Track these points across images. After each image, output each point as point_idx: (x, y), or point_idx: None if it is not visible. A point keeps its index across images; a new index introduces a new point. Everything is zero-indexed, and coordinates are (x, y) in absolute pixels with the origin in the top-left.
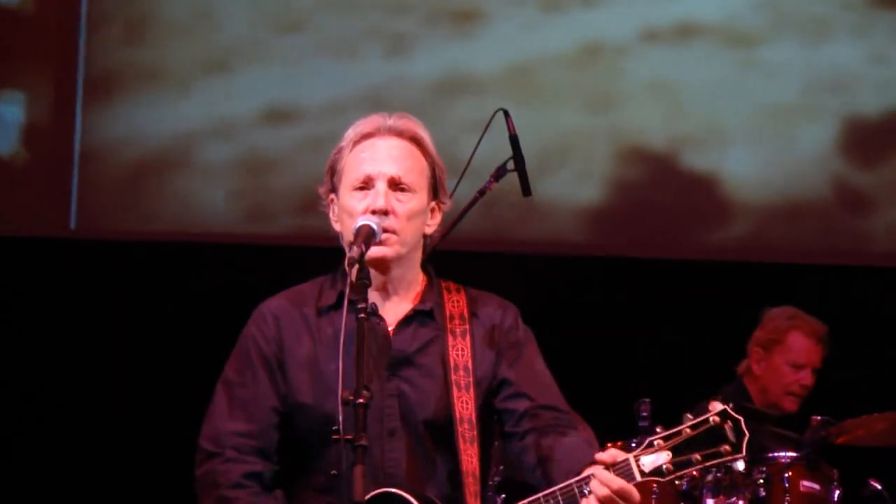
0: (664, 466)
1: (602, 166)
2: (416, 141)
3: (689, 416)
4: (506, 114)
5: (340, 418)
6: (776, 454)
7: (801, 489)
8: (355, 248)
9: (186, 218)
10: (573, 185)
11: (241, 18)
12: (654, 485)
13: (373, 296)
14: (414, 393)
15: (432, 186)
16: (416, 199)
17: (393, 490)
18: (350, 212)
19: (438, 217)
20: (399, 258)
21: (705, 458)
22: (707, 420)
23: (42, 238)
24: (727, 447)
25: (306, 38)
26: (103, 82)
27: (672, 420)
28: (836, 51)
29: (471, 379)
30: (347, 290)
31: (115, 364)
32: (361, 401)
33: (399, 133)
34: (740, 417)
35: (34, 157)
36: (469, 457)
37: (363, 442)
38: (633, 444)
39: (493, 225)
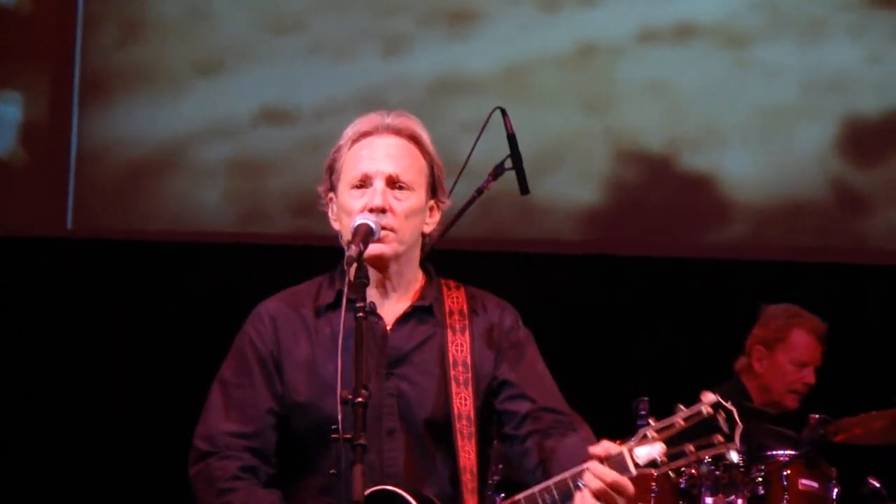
0: (658, 458)
1: (600, 167)
2: (414, 139)
3: (682, 407)
4: (503, 112)
5: (339, 418)
6: (775, 452)
7: (800, 487)
8: (353, 247)
9: (183, 218)
10: (571, 186)
11: (237, 19)
12: (654, 483)
13: (371, 294)
14: (413, 391)
15: (431, 185)
16: (415, 198)
17: (389, 488)
18: (348, 210)
19: (437, 216)
20: (397, 256)
21: (699, 448)
22: (700, 411)
23: (39, 238)
24: (720, 437)
25: (302, 38)
26: (100, 83)
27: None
28: (833, 51)
29: (469, 375)
30: (346, 290)
31: (112, 362)
32: (360, 400)
33: (397, 131)
34: (733, 408)
35: (31, 156)
36: (467, 453)
37: (362, 441)
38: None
39: (491, 226)
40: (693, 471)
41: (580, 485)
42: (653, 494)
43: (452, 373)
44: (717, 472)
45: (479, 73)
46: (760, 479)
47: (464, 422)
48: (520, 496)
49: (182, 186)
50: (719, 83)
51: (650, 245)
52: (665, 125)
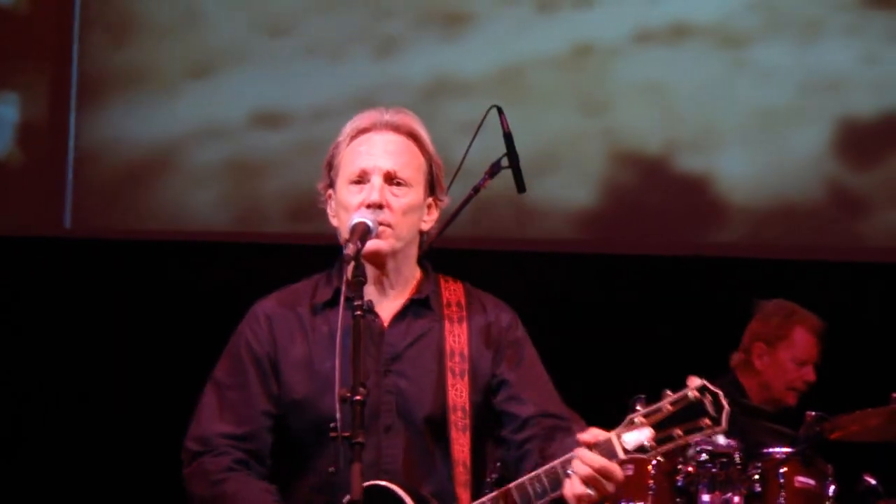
0: (647, 443)
1: (596, 168)
2: (413, 136)
3: (669, 392)
4: (499, 111)
5: (338, 416)
6: (771, 450)
7: (797, 484)
8: (351, 246)
9: (180, 218)
10: (567, 187)
11: (231, 21)
12: (651, 481)
13: (369, 291)
14: (410, 388)
15: (429, 182)
16: (412, 194)
17: (382, 483)
18: (346, 205)
19: (435, 214)
20: (394, 252)
21: (687, 432)
22: (686, 395)
23: (37, 238)
24: (707, 420)
25: (296, 40)
26: (97, 84)
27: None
28: (829, 52)
29: (466, 366)
30: (343, 288)
31: (109, 362)
32: (358, 398)
33: (396, 128)
34: (719, 391)
35: (29, 157)
36: (461, 446)
37: (360, 439)
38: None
39: (488, 227)
40: (690, 468)
41: (569, 472)
42: (650, 492)
43: (449, 363)
44: (714, 470)
45: (474, 74)
46: (757, 477)
47: (458, 413)
48: (510, 486)
49: (178, 187)
50: (715, 84)
51: (646, 246)
52: (661, 126)
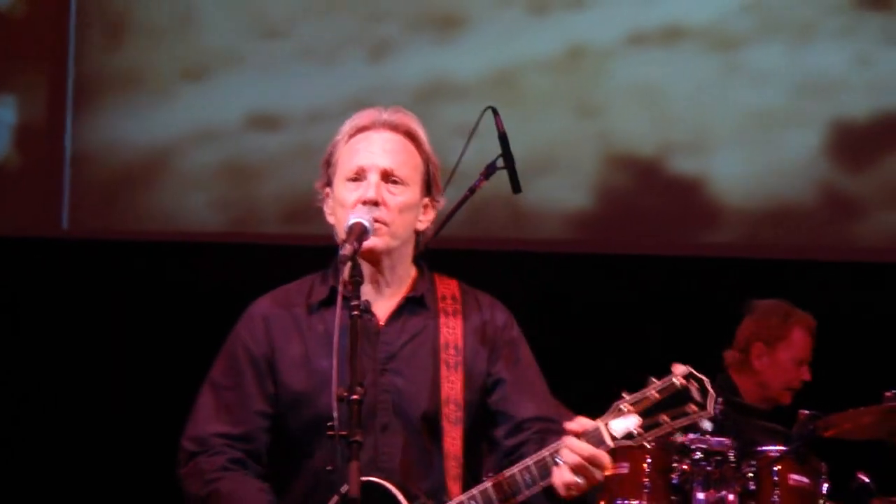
0: (634, 430)
1: (589, 170)
2: (410, 136)
3: (655, 380)
4: (494, 112)
5: (335, 415)
6: (765, 448)
7: (790, 482)
8: (348, 246)
9: (175, 220)
10: (561, 190)
11: (226, 24)
12: (646, 479)
13: (364, 290)
14: (407, 386)
15: (426, 182)
16: (409, 193)
17: (374, 480)
18: (343, 202)
19: (432, 214)
20: (389, 250)
21: (673, 418)
22: (672, 382)
23: (35, 238)
24: (694, 406)
25: (290, 43)
26: (93, 86)
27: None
28: (822, 54)
29: (460, 358)
30: (340, 288)
31: (106, 360)
32: (355, 397)
33: (394, 127)
34: (704, 377)
35: (26, 158)
36: (453, 439)
37: (358, 438)
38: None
39: (482, 230)
40: (685, 466)
41: (558, 461)
42: (646, 490)
43: (443, 355)
44: (709, 468)
45: (468, 77)
46: (751, 475)
47: (451, 406)
48: (500, 476)
49: (174, 190)
50: (709, 86)
51: (641, 247)
52: (655, 128)
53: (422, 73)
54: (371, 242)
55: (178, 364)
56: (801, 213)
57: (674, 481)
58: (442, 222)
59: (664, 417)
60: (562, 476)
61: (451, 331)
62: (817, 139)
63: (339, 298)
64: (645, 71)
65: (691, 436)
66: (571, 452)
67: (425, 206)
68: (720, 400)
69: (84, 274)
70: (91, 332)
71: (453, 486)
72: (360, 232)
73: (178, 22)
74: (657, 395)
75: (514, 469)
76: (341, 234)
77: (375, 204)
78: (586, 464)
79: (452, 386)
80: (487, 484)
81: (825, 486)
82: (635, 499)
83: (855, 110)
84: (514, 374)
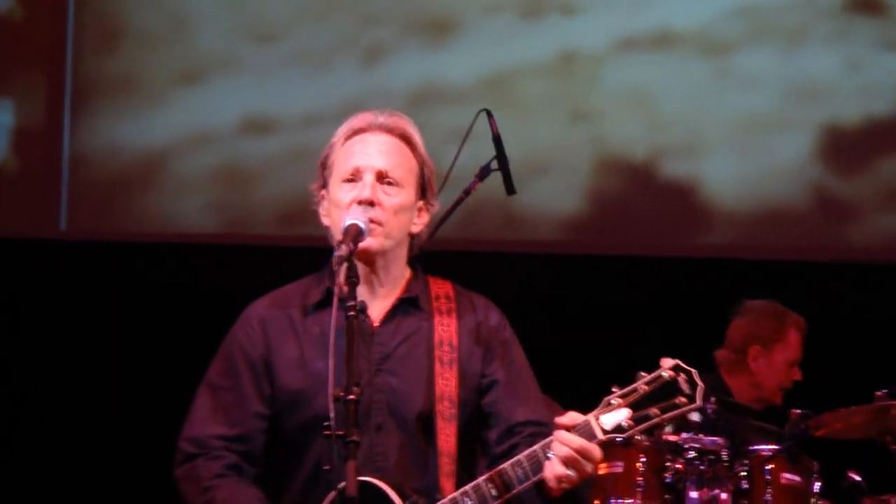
0: (624, 423)
1: (582, 175)
2: (406, 139)
3: (644, 373)
4: (489, 114)
5: (332, 415)
6: (758, 447)
7: (783, 481)
8: (344, 247)
9: (171, 223)
10: (554, 195)
11: (220, 29)
12: (640, 478)
13: (359, 291)
14: (402, 386)
15: (420, 185)
16: (404, 194)
17: (367, 479)
18: (338, 203)
19: (426, 217)
20: (384, 251)
21: (663, 410)
22: (661, 375)
23: (33, 239)
24: (683, 399)
25: (284, 48)
26: (90, 90)
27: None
28: (813, 58)
29: (455, 355)
30: (336, 289)
31: (102, 360)
32: (352, 397)
33: (389, 130)
34: (693, 370)
35: (24, 161)
36: (446, 436)
37: (354, 437)
38: (618, 440)
39: (475, 234)
40: (679, 465)
41: (549, 455)
42: (639, 489)
43: (437, 353)
44: (702, 467)
45: (461, 82)
46: (744, 474)
47: (445, 403)
48: (492, 472)
49: (169, 193)
50: (700, 91)
51: (632, 249)
52: (647, 133)
53: (415, 77)
54: (366, 243)
55: (174, 364)
56: (793, 217)
57: (667, 480)
58: (437, 224)
59: (654, 410)
60: (553, 469)
61: (446, 329)
62: (809, 143)
63: (335, 299)
64: (637, 75)
65: (684, 435)
66: (562, 445)
67: (420, 209)
68: (713, 399)
69: (81, 275)
70: (88, 331)
71: (447, 483)
72: (355, 233)
73: (173, 26)
74: (646, 388)
75: (507, 464)
76: (337, 235)
77: (371, 204)
78: (577, 456)
79: (447, 382)
80: (480, 480)
81: (817, 484)
82: (629, 497)
83: (846, 114)
84: (508, 376)
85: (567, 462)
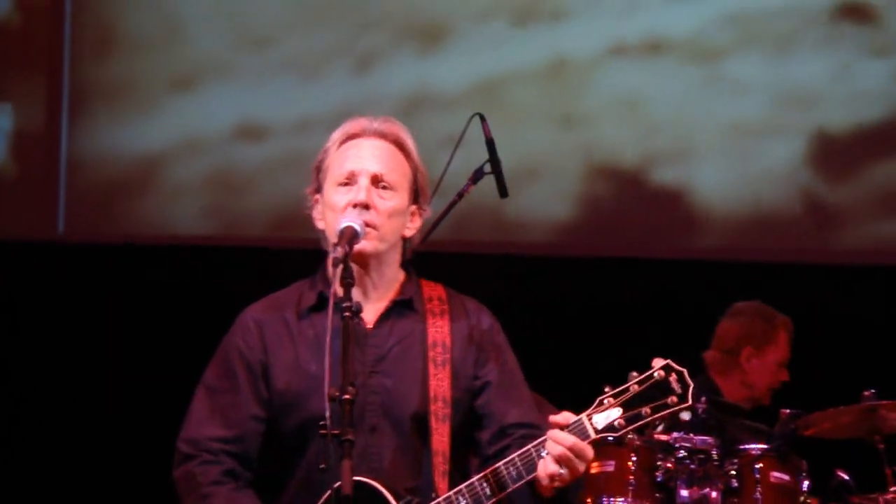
0: (616, 422)
1: (573, 181)
2: (399, 144)
3: (635, 373)
4: (482, 118)
5: (328, 414)
6: (748, 446)
7: (772, 480)
8: (339, 249)
9: (166, 227)
10: (544, 201)
11: (213, 35)
12: (631, 476)
13: (353, 293)
14: (396, 387)
15: (413, 190)
16: (398, 199)
17: (362, 479)
18: (333, 206)
19: (418, 222)
20: (378, 254)
21: (655, 410)
22: (652, 375)
23: (32, 242)
24: (674, 398)
25: (276, 55)
26: (87, 96)
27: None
28: (802, 65)
29: (448, 356)
30: (333, 289)
31: (100, 360)
32: (347, 397)
33: (383, 135)
34: (684, 369)
35: (23, 165)
36: (440, 435)
37: (350, 437)
38: (610, 439)
39: (467, 239)
40: (669, 464)
41: (543, 454)
42: (631, 487)
43: (431, 354)
44: (693, 466)
45: (452, 88)
46: (734, 472)
47: (439, 403)
48: (486, 471)
49: (163, 198)
50: (690, 97)
51: (623, 252)
52: (637, 139)
53: (408, 84)
54: (361, 245)
55: (171, 365)
56: (783, 222)
57: (658, 479)
58: (430, 228)
59: (646, 410)
60: (546, 468)
61: (439, 330)
62: (798, 149)
63: (331, 300)
64: (628, 82)
65: (675, 434)
66: (555, 443)
67: (413, 213)
68: (704, 399)
69: (79, 277)
70: (86, 332)
71: (441, 482)
72: (350, 235)
73: (167, 32)
74: (638, 388)
75: (500, 463)
76: (332, 238)
77: (366, 207)
78: (570, 454)
79: (440, 383)
80: (474, 479)
81: (806, 483)
82: (621, 496)
83: (835, 121)
84: (501, 378)
85: (560, 460)
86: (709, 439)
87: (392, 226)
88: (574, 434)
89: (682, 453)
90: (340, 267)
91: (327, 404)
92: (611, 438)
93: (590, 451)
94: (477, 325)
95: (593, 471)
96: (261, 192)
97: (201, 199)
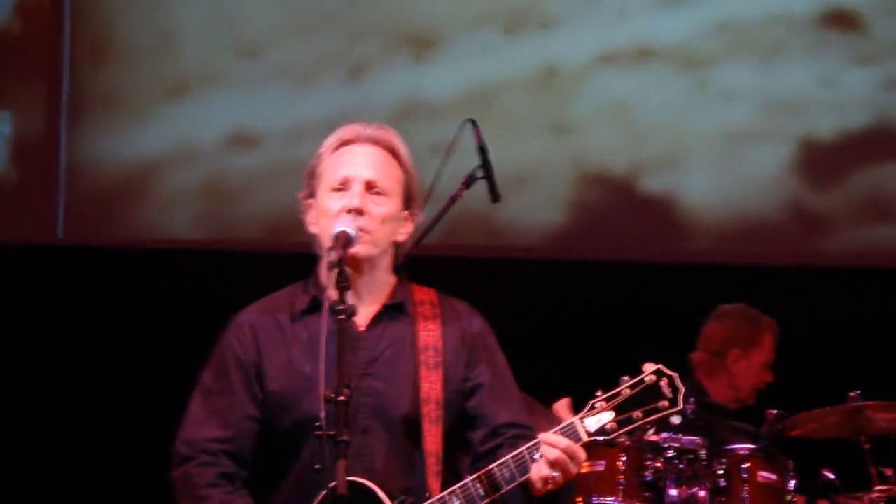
0: (608, 426)
1: (563, 189)
2: (392, 151)
3: (626, 377)
4: (473, 124)
5: (323, 415)
6: (735, 446)
7: (759, 479)
8: (334, 253)
9: (162, 232)
10: (535, 208)
11: (206, 43)
12: (621, 476)
13: (346, 297)
14: (387, 390)
15: (406, 196)
16: (391, 204)
17: (357, 479)
18: (327, 211)
19: (410, 227)
20: (370, 258)
21: (646, 414)
22: (643, 380)
23: (31, 246)
24: (665, 402)
25: (269, 63)
26: (85, 103)
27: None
28: (789, 73)
29: (440, 359)
30: (329, 292)
31: (98, 361)
32: (342, 398)
33: (376, 141)
34: (675, 374)
35: (22, 170)
36: (433, 437)
37: (345, 437)
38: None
39: (459, 246)
40: (658, 464)
41: (536, 457)
42: (621, 487)
43: (423, 357)
44: (681, 466)
45: (444, 96)
46: (722, 472)
47: (431, 406)
48: (479, 473)
49: (157, 206)
50: (679, 105)
51: (613, 256)
52: (627, 146)
53: (400, 92)
54: (354, 250)
55: (167, 368)
56: (770, 229)
57: (647, 478)
58: (422, 233)
59: (637, 413)
60: (539, 470)
61: (430, 333)
62: (785, 156)
63: (326, 303)
64: (617, 89)
65: (664, 435)
66: (549, 446)
67: (405, 219)
68: (692, 400)
69: (77, 279)
70: (85, 334)
71: (434, 483)
72: (345, 240)
73: (161, 41)
74: (629, 392)
75: (494, 465)
76: (325, 242)
77: (360, 213)
78: (564, 456)
79: (432, 386)
80: (468, 480)
81: (792, 482)
82: (611, 495)
83: (821, 128)
84: (492, 380)
85: (553, 463)
86: (697, 440)
87: (385, 231)
88: (566, 437)
89: (671, 453)
90: (335, 270)
91: (322, 405)
92: (602, 440)
93: (582, 454)
94: (468, 328)
95: (584, 470)
96: (254, 199)
97: (196, 205)
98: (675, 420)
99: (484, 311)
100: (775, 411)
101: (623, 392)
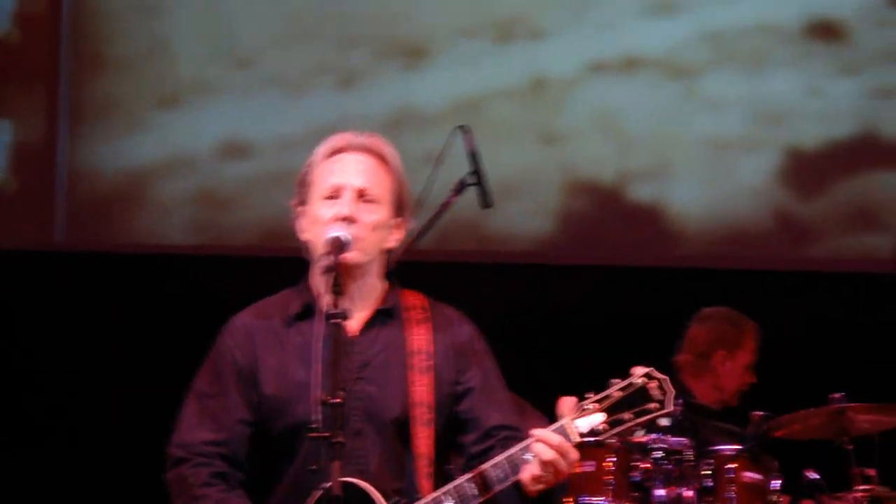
0: (599, 427)
1: (552, 198)
2: (382, 159)
3: (616, 380)
4: (464, 130)
5: (318, 417)
6: (721, 447)
7: (745, 479)
8: (327, 258)
9: (160, 238)
10: (524, 217)
11: (198, 53)
12: (610, 476)
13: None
14: (379, 394)
15: (396, 203)
16: (381, 212)
17: (352, 480)
18: (318, 219)
19: (401, 234)
20: (360, 265)
21: (636, 415)
22: (632, 382)
23: (30, 251)
24: (655, 404)
25: (260, 72)
26: (84, 111)
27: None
28: (775, 83)
29: (431, 362)
30: (326, 297)
31: (96, 363)
32: (337, 400)
33: (367, 150)
34: (665, 377)
35: (21, 178)
36: (424, 439)
37: (339, 439)
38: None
39: (450, 252)
40: (646, 465)
41: (528, 456)
42: (609, 487)
43: (413, 361)
44: (668, 466)
45: (434, 106)
46: (708, 472)
47: (423, 409)
48: (472, 472)
49: (152, 214)
50: (666, 114)
51: (601, 261)
52: (615, 155)
53: (390, 101)
54: (344, 256)
55: (162, 371)
56: (756, 237)
57: (635, 479)
58: (414, 239)
59: (627, 415)
60: (532, 469)
61: (421, 338)
62: (771, 165)
63: (321, 308)
64: (605, 99)
65: (652, 436)
66: (542, 445)
67: (395, 226)
68: (679, 401)
69: (76, 284)
70: (84, 337)
71: (425, 484)
72: (339, 245)
73: (154, 51)
74: (619, 394)
75: (487, 465)
76: (318, 248)
77: (351, 221)
78: (557, 455)
79: (423, 389)
80: (461, 480)
81: (777, 482)
82: (600, 495)
83: (806, 137)
84: (483, 383)
85: (546, 462)
86: (684, 440)
87: (375, 238)
88: None
89: (659, 454)
90: (330, 275)
91: (318, 407)
92: (592, 441)
93: (575, 454)
94: (458, 332)
95: (573, 469)
96: (248, 206)
97: (191, 212)
98: (664, 422)
99: (474, 317)
100: (760, 413)
101: (613, 394)
